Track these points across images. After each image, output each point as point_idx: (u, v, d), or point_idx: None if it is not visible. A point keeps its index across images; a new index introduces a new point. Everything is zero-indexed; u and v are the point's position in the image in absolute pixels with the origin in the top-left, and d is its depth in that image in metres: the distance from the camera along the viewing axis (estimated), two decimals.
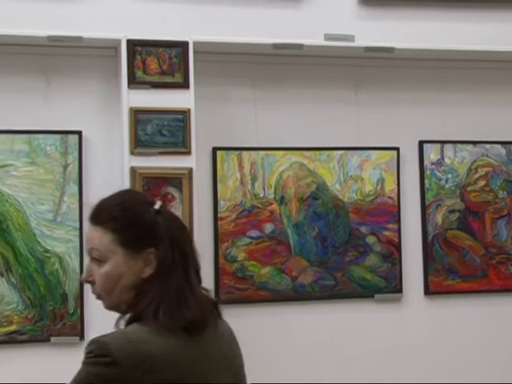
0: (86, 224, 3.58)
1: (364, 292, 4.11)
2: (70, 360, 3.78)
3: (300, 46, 3.90)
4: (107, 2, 3.85)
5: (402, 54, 4.03)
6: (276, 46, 3.88)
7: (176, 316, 1.94)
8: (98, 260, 2.04)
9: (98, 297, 2.08)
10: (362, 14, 4.07)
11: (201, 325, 1.98)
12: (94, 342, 1.91)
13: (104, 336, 1.92)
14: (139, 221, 2.02)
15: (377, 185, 4.14)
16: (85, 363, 1.91)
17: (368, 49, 3.97)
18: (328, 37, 3.95)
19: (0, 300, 3.70)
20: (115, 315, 3.53)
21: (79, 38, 3.71)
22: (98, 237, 2.04)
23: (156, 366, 1.90)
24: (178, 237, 2.05)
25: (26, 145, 3.84)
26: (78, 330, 3.81)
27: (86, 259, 3.57)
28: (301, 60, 4.05)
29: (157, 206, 2.04)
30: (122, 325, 2.02)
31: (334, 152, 4.13)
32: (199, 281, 2.08)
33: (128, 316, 2.01)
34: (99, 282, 2.03)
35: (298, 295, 4.03)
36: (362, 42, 3.97)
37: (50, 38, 3.68)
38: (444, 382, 4.08)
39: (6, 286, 3.75)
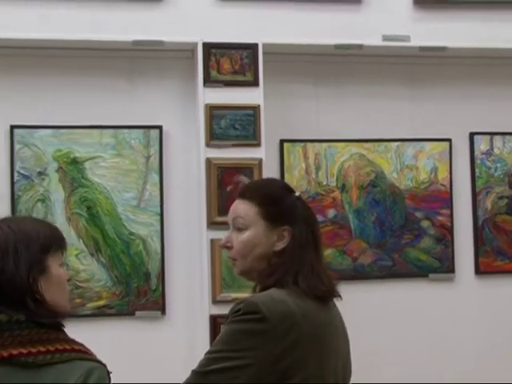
0: (167, 209, 3.85)
1: (419, 272, 4.13)
2: (152, 332, 3.88)
3: (359, 47, 3.95)
4: (185, 9, 3.94)
5: (454, 53, 4.05)
6: (337, 46, 3.93)
7: (312, 285, 2.06)
8: (240, 228, 2.18)
9: (233, 261, 2.22)
10: (417, 16, 4.09)
11: (329, 295, 2.11)
12: (241, 302, 2.04)
13: (251, 296, 2.08)
14: (282, 201, 2.17)
15: (430, 173, 4.16)
16: (233, 322, 2.03)
17: (422, 48, 4.00)
18: (385, 37, 3.99)
19: (91, 277, 3.82)
20: (193, 292, 3.79)
21: (160, 42, 3.82)
22: (244, 208, 2.18)
23: (298, 321, 2.00)
24: (312, 221, 2.19)
25: (112, 138, 3.94)
26: (159, 304, 3.90)
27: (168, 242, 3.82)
28: (360, 59, 4.08)
29: (297, 194, 2.22)
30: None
31: (391, 143, 4.15)
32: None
33: (262, 285, 2.13)
34: (237, 247, 2.17)
35: (358, 275, 4.08)
36: (416, 41, 4.00)
37: (135, 43, 3.81)
38: (491, 354, 4.09)
39: (96, 265, 3.86)
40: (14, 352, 1.80)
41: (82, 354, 1.86)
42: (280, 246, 2.13)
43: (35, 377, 1.81)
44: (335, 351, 2.10)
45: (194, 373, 2.04)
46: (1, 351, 1.80)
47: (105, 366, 1.87)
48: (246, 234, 2.18)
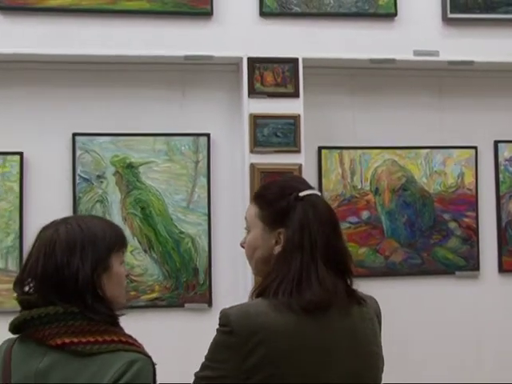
0: (214, 210, 3.94)
1: (446, 270, 4.15)
2: (200, 323, 3.92)
3: (392, 61, 3.97)
4: (231, 26, 3.98)
5: (480, 66, 4.07)
6: (372, 60, 3.97)
7: (295, 295, 1.91)
8: (247, 230, 2.12)
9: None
10: (446, 33, 4.10)
11: (320, 306, 1.92)
12: (221, 312, 1.97)
13: (230, 308, 1.97)
14: (276, 203, 2.03)
15: (458, 178, 4.18)
16: (216, 329, 1.96)
17: (451, 62, 4.02)
18: (416, 52, 4.01)
19: (144, 272, 3.89)
20: (237, 286, 3.88)
21: (209, 57, 3.87)
22: (249, 210, 2.12)
23: (268, 337, 1.87)
24: (312, 224, 1.99)
25: (165, 145, 3.98)
26: (206, 298, 3.95)
27: (215, 240, 3.93)
28: (393, 72, 4.10)
29: (302, 193, 2.03)
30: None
31: (421, 150, 4.17)
32: (340, 271, 2.00)
33: (258, 289, 2.02)
34: (245, 248, 2.12)
35: (389, 272, 4.09)
36: (445, 56, 4.03)
37: (186, 58, 3.86)
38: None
39: (149, 261, 3.92)
40: (67, 340, 1.85)
41: (128, 345, 1.89)
42: (277, 249, 2.02)
43: (83, 364, 1.84)
44: (331, 367, 1.93)
45: (194, 375, 2.00)
46: (55, 339, 1.85)
47: (149, 357, 1.89)
48: (249, 236, 2.12)
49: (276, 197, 2.05)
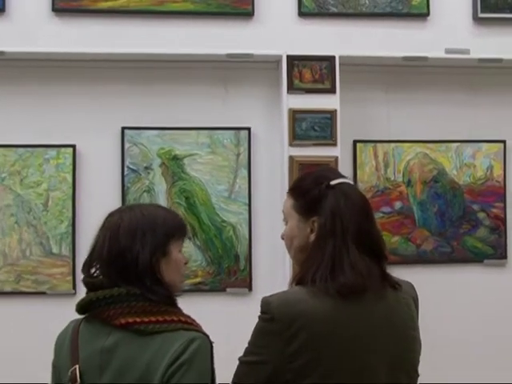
0: (254, 200, 4.02)
1: (475, 258, 4.17)
2: (240, 306, 3.98)
3: (425, 59, 3.99)
4: (271, 26, 4.04)
5: (509, 64, 4.08)
6: (405, 58, 3.99)
7: (330, 281, 1.92)
8: (285, 222, 2.13)
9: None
10: (476, 32, 4.14)
11: (355, 289, 1.93)
12: (262, 300, 1.99)
13: (271, 296, 1.97)
14: (308, 193, 2.05)
15: (486, 171, 4.20)
16: (258, 316, 1.99)
17: (481, 60, 4.04)
18: (448, 50, 4.04)
19: (189, 258, 3.72)
20: (275, 272, 3.95)
21: (250, 55, 3.91)
22: (285, 202, 2.14)
23: (308, 323, 1.89)
24: (344, 211, 2.00)
25: (208, 138, 4.03)
26: (247, 283, 4.01)
27: (255, 228, 4.00)
28: (425, 69, 4.12)
29: (333, 182, 2.04)
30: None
31: (452, 144, 4.18)
32: (374, 255, 2.00)
33: (297, 277, 2.04)
34: (284, 240, 2.14)
35: (421, 260, 4.11)
36: (475, 54, 4.05)
37: (228, 56, 3.91)
38: None
39: (192, 248, 3.97)
40: (130, 320, 1.90)
41: (188, 324, 1.93)
42: (312, 237, 2.03)
43: (145, 342, 1.89)
44: (369, 350, 1.94)
45: (238, 360, 2.01)
46: (119, 319, 1.91)
47: (207, 336, 1.93)
48: (286, 227, 2.12)
49: (309, 187, 2.07)
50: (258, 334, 1.96)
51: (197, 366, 1.87)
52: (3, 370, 3.89)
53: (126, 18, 3.98)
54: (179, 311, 1.99)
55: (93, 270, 2.05)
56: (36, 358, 3.63)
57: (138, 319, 1.91)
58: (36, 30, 3.95)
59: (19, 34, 3.93)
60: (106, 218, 2.09)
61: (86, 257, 2.07)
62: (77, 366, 1.95)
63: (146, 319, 1.91)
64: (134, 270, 1.96)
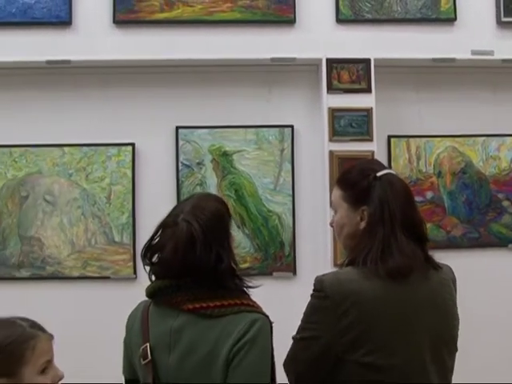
0: (297, 192, 4.14)
1: (500, 243, 4.23)
2: (286, 289, 4.04)
3: (453, 60, 4.07)
4: (312, 31, 4.13)
5: None
6: (434, 60, 4.07)
7: (380, 263, 1.98)
8: (334, 211, 2.19)
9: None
10: (499, 34, 4.20)
11: (403, 271, 1.97)
12: (316, 278, 2.04)
13: (324, 275, 2.03)
14: (357, 184, 2.11)
15: (510, 162, 4.27)
16: (310, 295, 2.05)
17: (504, 61, 4.11)
18: (474, 52, 4.11)
19: (238, 245, 3.97)
20: (317, 257, 4.07)
21: (292, 59, 4.02)
22: (334, 193, 2.19)
23: (359, 300, 1.94)
24: (390, 200, 2.05)
25: (254, 135, 4.14)
26: (291, 267, 4.10)
27: (298, 217, 4.13)
28: (453, 70, 4.18)
29: (379, 173, 2.10)
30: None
31: (478, 138, 4.25)
32: (418, 239, 2.06)
33: (347, 260, 2.11)
34: (334, 228, 2.22)
35: (450, 245, 4.17)
36: (499, 55, 4.12)
37: (272, 60, 4.02)
38: None
39: (241, 236, 4.06)
40: (197, 305, 1.97)
41: (250, 307, 2.00)
42: (362, 225, 2.07)
43: (211, 324, 1.97)
44: (415, 326, 1.98)
45: (292, 338, 2.09)
46: (186, 304, 1.98)
47: (267, 317, 2.01)
48: (336, 217, 2.17)
49: (357, 179, 2.11)
50: (312, 310, 2.01)
51: (259, 345, 1.94)
52: (71, 348, 3.97)
53: (179, 27, 4.12)
54: (241, 294, 2.04)
55: (154, 258, 2.10)
56: (100, 335, 3.98)
57: (203, 304, 1.97)
58: (99, 41, 4.12)
59: (84, 44, 4.10)
60: (172, 213, 2.12)
61: (146, 244, 2.11)
62: (147, 344, 2.02)
63: (212, 304, 1.96)
64: (202, 260, 2.00)
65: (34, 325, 1.99)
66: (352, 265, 2.04)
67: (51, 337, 2.02)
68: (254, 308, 2.02)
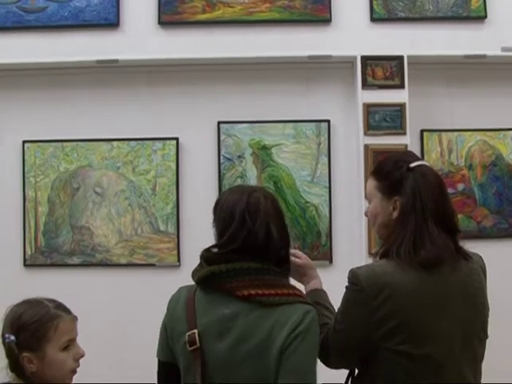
0: (333, 184, 4.19)
1: None
2: (322, 277, 3.66)
3: (483, 56, 4.10)
4: (347, 30, 4.19)
5: None
6: (466, 56, 4.10)
7: (413, 254, 1.97)
8: (369, 201, 2.21)
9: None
10: None
11: (435, 262, 1.97)
12: (350, 271, 2.04)
13: (358, 268, 2.03)
14: (391, 174, 2.11)
15: None
16: (346, 288, 2.06)
17: None
18: (504, 49, 4.13)
19: None
20: (353, 246, 4.13)
21: (329, 56, 4.09)
22: (369, 183, 2.21)
23: (394, 293, 1.94)
24: (423, 190, 2.04)
25: (292, 130, 4.20)
26: (328, 256, 4.16)
27: (335, 208, 4.20)
28: (483, 66, 4.21)
29: (412, 164, 2.10)
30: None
31: (509, 132, 4.25)
32: (449, 230, 2.05)
33: (381, 250, 2.10)
34: (368, 217, 2.23)
35: (481, 235, 4.19)
36: None
37: (309, 57, 4.09)
38: None
39: None
40: (253, 292, 1.93)
41: (301, 298, 1.97)
42: (395, 215, 2.07)
43: (266, 313, 1.92)
44: (446, 316, 1.98)
45: (328, 328, 2.08)
46: (242, 290, 1.93)
47: (315, 308, 1.98)
48: (370, 206, 2.18)
49: (390, 170, 2.12)
50: (348, 303, 2.02)
51: (312, 335, 1.93)
52: (117, 329, 4.22)
53: (220, 27, 4.22)
54: (292, 285, 2.03)
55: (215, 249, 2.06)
56: (145, 319, 3.93)
57: (259, 291, 1.92)
58: (145, 41, 4.25)
59: (131, 45, 4.24)
60: (226, 198, 2.09)
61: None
62: (195, 331, 1.97)
63: (267, 292, 1.92)
64: (264, 247, 1.96)
65: (59, 306, 2.11)
66: (385, 256, 2.04)
67: (75, 318, 2.13)
68: (305, 299, 1.99)
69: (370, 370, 2.06)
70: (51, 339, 2.03)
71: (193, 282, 2.09)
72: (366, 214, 2.25)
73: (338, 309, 2.07)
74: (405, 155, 2.30)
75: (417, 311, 1.95)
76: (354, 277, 2.01)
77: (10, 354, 2.01)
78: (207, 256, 2.04)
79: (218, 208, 2.10)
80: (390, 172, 2.12)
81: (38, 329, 2.02)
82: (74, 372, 2.08)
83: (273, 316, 1.91)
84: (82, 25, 4.23)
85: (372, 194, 2.18)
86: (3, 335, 2.04)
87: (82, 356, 2.10)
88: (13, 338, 2.01)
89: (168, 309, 2.11)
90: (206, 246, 2.08)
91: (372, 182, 2.18)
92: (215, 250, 2.05)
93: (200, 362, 1.94)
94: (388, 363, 2.00)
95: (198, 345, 1.95)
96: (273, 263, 1.98)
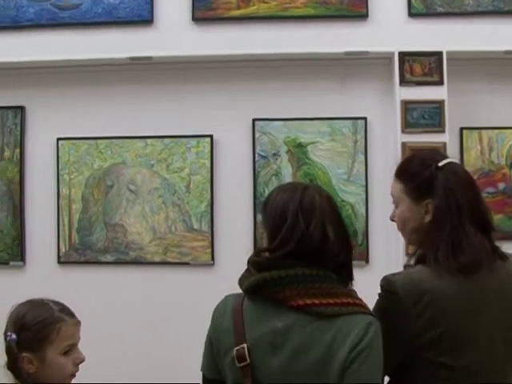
0: (370, 182, 4.14)
1: None
2: (359, 277, 3.69)
3: None
4: (384, 25, 4.11)
5: None
6: (507, 52, 4.05)
7: (452, 259, 1.87)
8: (395, 205, 2.07)
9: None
10: None
11: (474, 267, 1.88)
12: (384, 278, 1.93)
13: (393, 275, 1.92)
14: (418, 176, 1.98)
15: None
16: (378, 295, 1.94)
17: None
18: None
19: None
20: (390, 246, 4.06)
21: (365, 53, 4.05)
22: (394, 186, 2.07)
23: (434, 301, 1.84)
24: (455, 190, 1.93)
25: (328, 127, 4.17)
26: (364, 256, 4.14)
27: (371, 207, 4.14)
28: None
29: (441, 163, 1.97)
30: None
31: None
32: (484, 229, 1.96)
33: (415, 256, 2.00)
34: (396, 222, 2.08)
35: None
36: None
37: (346, 54, 4.08)
38: None
39: None
40: (308, 301, 1.75)
41: (363, 308, 1.79)
42: (427, 218, 1.96)
43: (323, 325, 1.75)
44: (486, 322, 1.90)
45: None
46: (296, 300, 1.76)
47: (377, 320, 1.80)
48: (398, 211, 2.04)
49: (418, 170, 1.99)
50: (383, 313, 1.88)
51: (375, 351, 1.77)
52: (149, 328, 4.22)
53: (255, 23, 4.17)
54: (352, 293, 1.85)
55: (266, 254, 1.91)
56: (179, 318, 4.12)
57: (316, 301, 1.76)
58: (178, 37, 4.22)
59: (164, 41, 4.22)
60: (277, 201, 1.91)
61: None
62: (245, 345, 1.80)
63: (325, 301, 1.76)
64: (319, 250, 1.81)
65: (64, 309, 2.10)
66: (422, 262, 1.95)
67: (78, 322, 2.12)
68: (366, 309, 1.81)
69: (405, 380, 1.97)
70: (53, 342, 2.02)
71: (232, 287, 1.95)
72: (391, 219, 2.11)
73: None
74: (431, 154, 2.18)
75: (457, 318, 1.87)
76: (390, 284, 1.90)
77: (9, 352, 2.01)
78: (257, 261, 1.87)
79: (267, 207, 1.92)
80: (417, 173, 2.00)
81: (40, 330, 2.02)
82: (72, 376, 2.08)
83: (332, 328, 1.75)
84: (116, 22, 4.23)
85: (399, 198, 2.05)
86: (5, 333, 2.05)
87: (82, 361, 2.08)
88: (14, 336, 2.01)
89: (213, 319, 1.94)
90: (242, 255, 1.98)
91: (397, 186, 2.06)
92: (266, 254, 1.89)
93: (251, 380, 1.79)
94: (425, 373, 1.91)
95: (249, 361, 1.79)
96: (330, 269, 1.82)
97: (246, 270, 1.89)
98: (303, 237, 1.80)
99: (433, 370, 1.89)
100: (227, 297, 1.94)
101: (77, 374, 2.09)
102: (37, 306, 2.08)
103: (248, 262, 1.90)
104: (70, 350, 2.06)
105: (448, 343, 1.86)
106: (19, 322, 2.03)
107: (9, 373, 2.02)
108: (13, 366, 2.01)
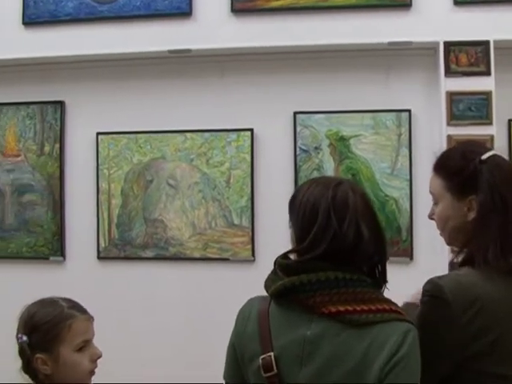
0: (415, 177, 4.03)
1: None
2: (402, 275, 3.59)
3: None
4: (428, 14, 3.99)
5: None
6: None
7: (502, 260, 1.75)
8: (435, 202, 1.95)
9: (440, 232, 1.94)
10: None
11: None
12: (430, 282, 1.78)
13: (439, 278, 1.77)
14: (462, 171, 1.85)
15: None
16: (422, 302, 1.79)
17: None
18: None
19: None
20: (435, 243, 3.71)
21: (409, 43, 3.94)
22: (433, 182, 1.95)
23: (485, 307, 1.71)
24: (501, 184, 1.81)
25: (371, 120, 4.08)
26: (408, 252, 4.04)
27: (416, 202, 4.03)
28: None
29: (484, 156, 1.85)
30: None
31: None
32: None
33: (461, 258, 1.86)
34: (436, 221, 1.95)
35: None
36: None
37: (389, 44, 3.96)
38: None
39: None
40: (341, 308, 1.63)
41: (400, 314, 1.66)
42: (471, 216, 1.83)
43: (358, 334, 1.63)
44: None
45: None
46: (328, 306, 1.64)
47: (417, 328, 1.68)
48: (438, 209, 1.93)
49: (460, 164, 1.87)
50: (429, 319, 1.76)
51: (413, 361, 1.64)
52: (189, 324, 4.20)
53: (295, 14, 4.08)
54: (387, 298, 1.72)
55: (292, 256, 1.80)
56: (219, 314, 3.94)
57: (349, 308, 1.64)
58: (217, 29, 4.17)
59: (203, 34, 4.17)
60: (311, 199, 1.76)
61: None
62: (271, 354, 1.69)
63: (358, 308, 1.64)
64: (352, 251, 1.68)
65: (74, 306, 2.06)
66: (469, 264, 1.81)
67: (91, 318, 2.08)
68: (403, 316, 1.67)
69: None
70: (64, 340, 1.98)
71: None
72: (430, 217, 1.98)
73: (417, 323, 1.75)
74: (472, 146, 2.03)
75: (507, 323, 1.73)
76: (437, 289, 1.75)
77: (22, 354, 1.98)
78: (285, 264, 1.74)
79: (295, 204, 1.77)
80: (460, 168, 1.86)
81: (51, 329, 1.98)
82: (92, 373, 2.03)
83: (367, 337, 1.63)
84: (154, 14, 4.20)
85: (439, 194, 1.92)
86: (17, 335, 2.02)
87: (100, 357, 2.03)
88: (25, 338, 1.98)
89: (236, 324, 1.82)
90: (283, 251, 1.80)
91: (437, 181, 1.93)
92: (293, 256, 1.76)
93: None
94: None
95: (276, 371, 1.67)
96: (363, 272, 1.70)
97: (272, 272, 1.77)
98: (336, 237, 1.68)
99: (483, 381, 1.75)
100: (252, 299, 1.83)
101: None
102: (46, 305, 2.05)
103: (274, 264, 1.78)
104: (85, 346, 2.02)
105: (501, 351, 1.73)
106: (29, 322, 2.01)
107: (26, 376, 1.99)
108: (27, 368, 1.99)
